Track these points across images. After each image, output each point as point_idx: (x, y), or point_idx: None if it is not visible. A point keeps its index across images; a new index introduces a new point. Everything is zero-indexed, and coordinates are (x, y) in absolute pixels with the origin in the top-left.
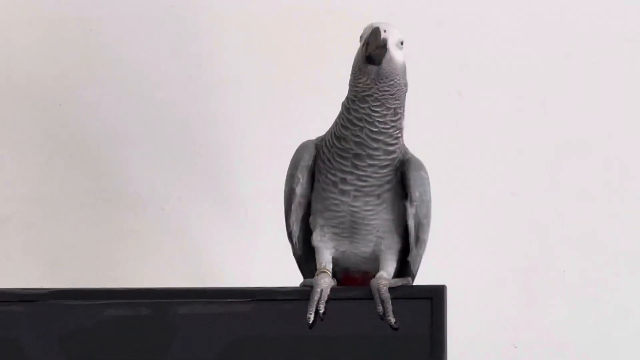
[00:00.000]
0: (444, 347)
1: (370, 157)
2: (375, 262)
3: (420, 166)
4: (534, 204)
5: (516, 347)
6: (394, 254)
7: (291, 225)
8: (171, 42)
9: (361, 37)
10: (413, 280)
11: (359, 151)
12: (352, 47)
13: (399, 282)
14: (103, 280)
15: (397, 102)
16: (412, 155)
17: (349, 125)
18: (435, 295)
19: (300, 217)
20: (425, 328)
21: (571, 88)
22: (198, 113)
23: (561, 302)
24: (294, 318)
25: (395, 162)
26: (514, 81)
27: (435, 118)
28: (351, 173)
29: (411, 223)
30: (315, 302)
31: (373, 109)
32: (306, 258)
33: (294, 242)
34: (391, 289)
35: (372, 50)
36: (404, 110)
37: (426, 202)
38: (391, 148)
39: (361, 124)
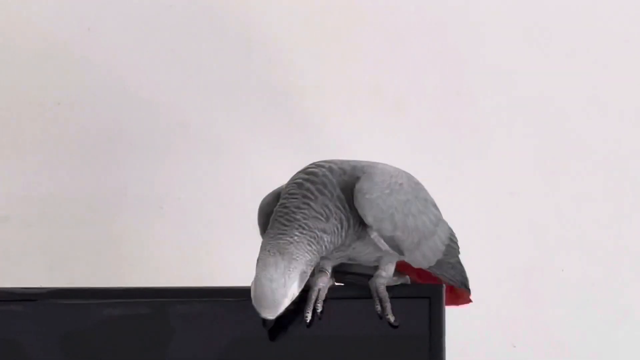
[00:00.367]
0: (443, 346)
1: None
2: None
3: (364, 191)
4: (532, 203)
5: (515, 347)
6: (393, 258)
7: None
8: (170, 42)
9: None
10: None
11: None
12: (353, 47)
13: (397, 280)
14: (102, 279)
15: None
16: (362, 174)
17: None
18: (434, 295)
19: None
20: (423, 327)
21: (570, 88)
22: (197, 113)
23: (560, 301)
24: (292, 317)
25: (345, 220)
26: (513, 81)
27: (433, 118)
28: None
29: (383, 245)
30: (313, 302)
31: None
32: None
33: None
34: (389, 288)
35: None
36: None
37: (388, 217)
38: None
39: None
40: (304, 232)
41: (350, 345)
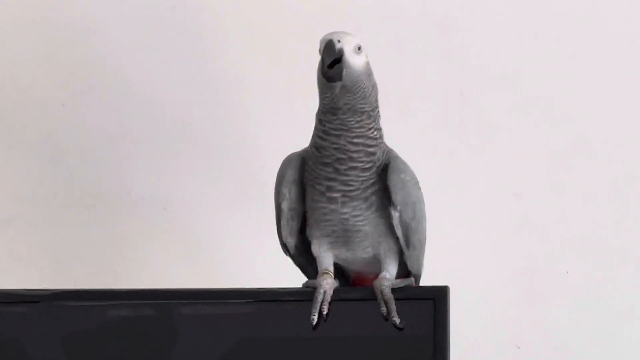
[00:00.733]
0: (447, 348)
1: (352, 159)
2: (379, 265)
3: (400, 169)
4: (536, 204)
5: (519, 348)
6: (394, 255)
7: (284, 238)
8: (174, 43)
9: (319, 50)
10: (419, 279)
11: (340, 155)
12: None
13: (401, 282)
14: (106, 281)
15: (368, 105)
16: (394, 157)
17: (326, 136)
18: (438, 296)
19: (295, 229)
20: (428, 329)
21: (574, 88)
22: (201, 114)
23: (564, 303)
24: (298, 319)
25: (378, 164)
26: (517, 81)
27: (437, 118)
28: (335, 179)
29: (398, 227)
30: (319, 303)
31: (345, 118)
32: (309, 264)
33: (290, 253)
34: (394, 290)
35: (329, 67)
36: (378, 111)
37: (411, 205)
38: (372, 149)
39: (338, 133)
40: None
41: (355, 347)
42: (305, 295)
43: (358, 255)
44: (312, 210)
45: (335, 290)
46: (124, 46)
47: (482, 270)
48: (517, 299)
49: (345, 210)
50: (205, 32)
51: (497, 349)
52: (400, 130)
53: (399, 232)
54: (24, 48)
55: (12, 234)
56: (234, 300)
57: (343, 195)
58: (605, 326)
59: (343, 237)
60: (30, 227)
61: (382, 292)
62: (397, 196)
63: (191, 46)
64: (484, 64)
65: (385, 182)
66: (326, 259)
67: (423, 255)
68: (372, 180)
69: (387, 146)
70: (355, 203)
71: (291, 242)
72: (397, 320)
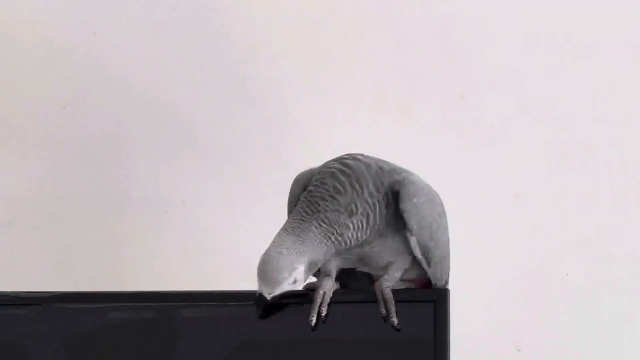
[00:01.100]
0: (447, 350)
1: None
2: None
3: (410, 195)
4: (537, 206)
5: (519, 351)
6: (407, 264)
7: None
8: (174, 45)
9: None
10: (447, 283)
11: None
12: (356, 49)
13: (402, 284)
14: (107, 283)
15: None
16: (403, 183)
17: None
18: (439, 299)
19: None
20: (428, 331)
21: (575, 91)
22: (202, 116)
23: (564, 305)
24: (297, 321)
25: (383, 196)
26: (517, 84)
27: (437, 121)
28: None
29: (416, 249)
30: (318, 305)
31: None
32: None
33: None
34: (394, 291)
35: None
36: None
37: (427, 227)
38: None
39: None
40: (323, 225)
41: (354, 349)
42: (305, 297)
43: (372, 269)
44: None
45: (335, 292)
46: (125, 48)
47: (483, 272)
48: (518, 301)
49: (358, 250)
50: (205, 34)
51: (498, 351)
52: (401, 133)
53: (418, 254)
54: (25, 50)
55: (13, 235)
56: (234, 303)
57: (357, 246)
58: (605, 328)
59: (356, 257)
60: (31, 229)
61: (382, 292)
62: (411, 222)
63: (192, 48)
64: (485, 66)
65: (394, 210)
66: (329, 263)
67: (448, 265)
68: (373, 227)
69: (390, 168)
70: (366, 248)
71: None
72: (395, 321)
